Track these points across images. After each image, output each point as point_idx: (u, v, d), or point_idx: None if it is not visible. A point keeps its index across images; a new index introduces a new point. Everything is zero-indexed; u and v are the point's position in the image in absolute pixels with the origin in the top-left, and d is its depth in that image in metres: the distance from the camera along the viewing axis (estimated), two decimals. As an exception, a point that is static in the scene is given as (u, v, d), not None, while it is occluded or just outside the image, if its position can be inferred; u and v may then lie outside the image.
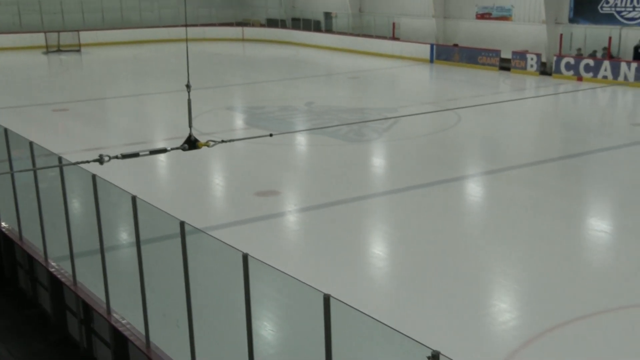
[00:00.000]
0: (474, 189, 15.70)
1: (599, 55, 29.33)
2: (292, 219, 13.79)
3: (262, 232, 12.82)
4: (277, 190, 15.18)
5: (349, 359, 6.19)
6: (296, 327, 7.41)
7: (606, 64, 28.15)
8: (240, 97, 28.58)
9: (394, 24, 40.08)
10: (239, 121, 23.42)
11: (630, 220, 13.18)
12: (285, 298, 7.42)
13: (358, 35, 41.95)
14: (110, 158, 6.42)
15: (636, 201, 14.25)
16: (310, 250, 12.15)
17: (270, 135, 8.49)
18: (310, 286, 6.03)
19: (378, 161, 18.41)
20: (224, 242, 7.13)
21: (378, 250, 12.28)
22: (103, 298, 9.54)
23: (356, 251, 11.92)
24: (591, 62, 28.72)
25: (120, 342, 9.33)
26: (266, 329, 7.61)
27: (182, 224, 7.57)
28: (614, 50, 29.06)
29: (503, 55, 32.32)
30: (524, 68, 31.14)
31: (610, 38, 28.98)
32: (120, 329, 9.12)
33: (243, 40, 47.78)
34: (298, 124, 22.47)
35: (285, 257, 11.40)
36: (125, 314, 9.31)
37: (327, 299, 5.73)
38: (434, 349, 4.82)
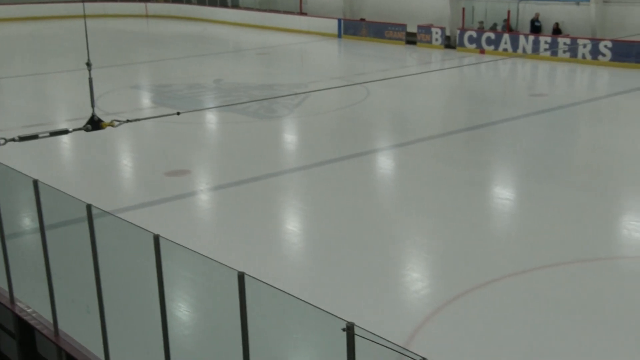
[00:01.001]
0: (385, 162, 15.94)
1: (499, 28, 30.23)
2: (204, 198, 13.63)
3: (174, 212, 12.62)
4: (188, 170, 14.95)
5: (265, 335, 6.19)
6: (211, 306, 7.34)
7: (506, 37, 29.03)
8: (146, 76, 27.90)
9: (300, -1, 39.99)
10: (145, 100, 22.88)
11: (532, 187, 13.70)
12: (199, 278, 7.33)
13: (265, 10, 41.58)
14: (6, 141, 6.15)
15: (537, 169, 14.81)
16: (224, 229, 12.06)
17: (178, 113, 8.33)
18: (224, 264, 5.98)
19: (289, 137, 18.40)
20: (133, 224, 6.97)
21: (291, 226, 12.31)
22: (6, 287, 9.18)
23: (270, 228, 11.91)
24: (492, 35, 29.55)
25: (25, 331, 9.02)
26: (181, 310, 7.51)
27: (88, 207, 7.34)
28: (512, 24, 29.99)
29: (409, 30, 32.78)
30: (430, 42, 31.71)
31: (509, 12, 29.90)
32: (25, 318, 8.80)
33: (147, 16, 46.54)
34: (207, 101, 22.16)
35: (199, 237, 11.27)
36: (32, 303, 8.99)
37: (241, 276, 5.70)
38: (349, 320, 4.87)
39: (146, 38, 39.48)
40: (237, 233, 11.66)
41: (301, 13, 39.66)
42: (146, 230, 6.70)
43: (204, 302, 7.53)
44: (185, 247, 6.44)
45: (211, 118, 19.88)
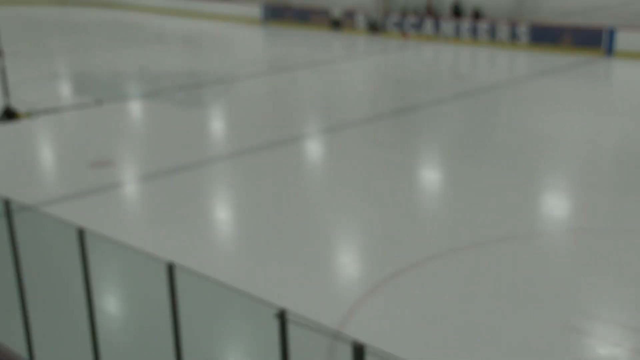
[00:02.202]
0: (314, 147, 15.96)
1: (422, 13, 30.63)
2: (131, 189, 13.36)
3: (100, 205, 12.31)
4: (113, 160, 14.61)
5: (197, 325, 6.12)
6: (141, 298, 7.22)
7: (428, 21, 29.46)
8: (64, 64, 27.07)
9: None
10: (64, 89, 22.20)
11: (457, 168, 13.98)
12: (128, 270, 7.20)
13: (188, -3, 40.99)
14: None
15: (461, 150, 15.12)
16: (152, 220, 11.85)
17: (99, 102, 8.10)
18: (153, 256, 5.88)
19: (217, 124, 18.20)
20: (56, 218, 6.76)
21: (222, 214, 12.21)
22: None
23: (199, 217, 11.76)
24: (415, 19, 29.92)
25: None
26: (110, 304, 7.36)
27: (7, 202, 7.08)
28: (435, 8, 30.42)
29: (334, 15, 32.83)
30: (354, 27, 31.86)
31: (432, -4, 30.37)
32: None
33: (62, 3, 45.10)
34: (130, 90, 21.68)
35: (126, 228, 11.04)
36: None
37: (170, 267, 5.61)
38: (281, 306, 4.86)
39: (63, 26, 38.28)
40: (166, 223, 11.47)
41: (225, -1, 39.28)
42: (69, 223, 6.52)
43: (133, 294, 7.40)
44: (111, 239, 6.29)
45: (135, 107, 19.47)
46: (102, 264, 6.94)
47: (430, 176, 13.98)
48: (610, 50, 24.54)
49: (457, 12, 29.49)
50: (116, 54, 28.36)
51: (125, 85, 22.43)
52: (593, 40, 24.96)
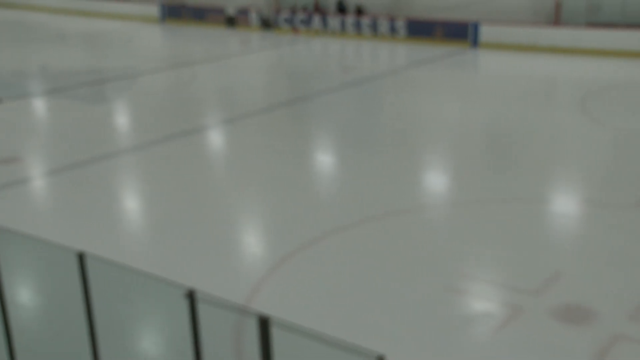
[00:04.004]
0: (216, 137, 15.75)
1: (310, 10, 30.72)
2: (39, 183, 12.74)
3: (8, 201, 11.68)
4: (19, 157, 13.88)
5: (110, 311, 5.93)
6: (54, 290, 6.92)
7: (316, 17, 29.59)
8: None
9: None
10: (-33, 90, 20.87)
11: (348, 153, 14.17)
12: (39, 262, 6.88)
13: (87, -3, 39.30)
14: None
15: (351, 136, 15.31)
16: (62, 213, 11.35)
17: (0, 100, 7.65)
18: (63, 246, 5.63)
19: (122, 119, 17.62)
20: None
21: (130, 203, 11.86)
22: None
23: (109, 208, 11.38)
24: (304, 16, 29.98)
25: None
26: (22, 296, 7.02)
27: None
28: (322, 5, 30.59)
29: (228, 13, 32.38)
30: (248, 24, 31.58)
31: (318, -6, 30.50)
32: None
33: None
34: (32, 88, 20.62)
35: (37, 223, 10.54)
36: None
37: (81, 256, 5.40)
38: (190, 286, 4.78)
39: (-37, 27, 35.95)
40: (77, 216, 11.03)
41: (123, -1, 37.96)
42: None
43: (46, 286, 7.08)
44: (21, 233, 5.99)
45: (39, 104, 18.56)
46: (11, 258, 6.60)
47: (324, 160, 14.10)
48: (475, 42, 25.48)
49: (341, 8, 29.78)
50: (17, 52, 26.88)
51: (27, 83, 21.31)
52: (461, 33, 25.84)
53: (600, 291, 8.10)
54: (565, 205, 11.25)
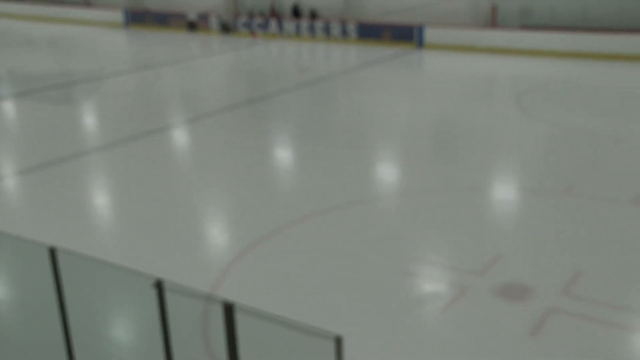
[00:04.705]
0: (181, 136, 15.55)
1: (267, 14, 30.53)
2: (10, 183, 12.38)
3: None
4: (-11, 158, 13.47)
5: (81, 302, 5.82)
6: (27, 284, 6.75)
7: (273, 21, 29.43)
8: None
9: (86, -8, 37.28)
10: (-64, 94, 20.13)
11: (305, 148, 14.16)
12: (11, 258, 6.69)
13: (52, 3, 38.22)
14: None
15: (307, 132, 15.30)
16: (34, 210, 11.07)
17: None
18: (34, 241, 5.49)
19: (91, 120, 17.24)
20: None
21: (99, 200, 11.63)
22: None
23: (79, 204, 11.14)
24: (262, 20, 29.79)
25: None
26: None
27: None
28: (278, 10, 30.43)
29: (190, 18, 31.97)
30: (208, 28, 31.22)
31: (274, 1, 30.27)
32: None
33: None
34: (2, 91, 20.02)
35: (9, 219, 10.26)
36: None
37: (52, 250, 5.28)
38: (158, 276, 4.72)
39: None
40: (47, 213, 10.76)
41: (87, 5, 37.06)
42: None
43: (19, 280, 6.90)
44: (-7, 231, 5.82)
45: (7, 106, 18.03)
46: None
47: (283, 155, 14.06)
48: (420, 43, 25.72)
49: (296, 13, 29.68)
50: (-14, 58, 26.05)
51: (-3, 87, 20.68)
52: (407, 35, 26.04)
53: (536, 270, 8.31)
54: (504, 192, 11.48)
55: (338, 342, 3.69)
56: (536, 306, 7.48)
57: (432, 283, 8.21)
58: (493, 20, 25.03)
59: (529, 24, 24.40)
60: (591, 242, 9.06)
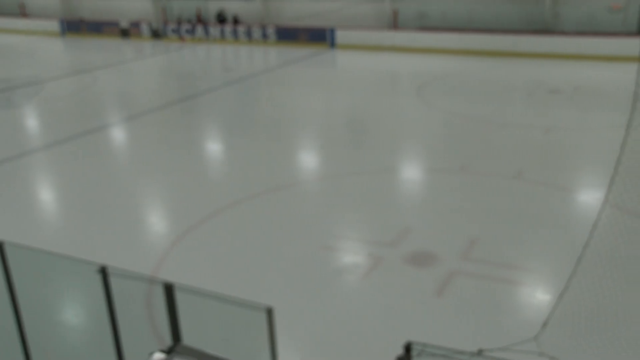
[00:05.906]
0: (120, 133, 14.96)
1: (193, 21, 29.77)
2: (-48, 185, 11.55)
3: None
4: None
5: (30, 294, 5.51)
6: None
7: (199, 27, 28.75)
8: None
9: (22, 2, 35.01)
10: None
11: (233, 140, 13.97)
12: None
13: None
14: None
15: (235, 126, 15.09)
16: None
17: None
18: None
19: (32, 122, 16.29)
20: None
21: (45, 196, 11.04)
22: None
23: (24, 200, 10.53)
24: (189, 26, 29.03)
25: None
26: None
27: None
28: (204, 17, 29.74)
29: (122, 25, 30.73)
30: (140, 34, 30.13)
31: (200, 8, 29.54)
32: None
33: None
34: (-59, 98, 18.58)
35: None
36: None
37: (0, 244, 4.96)
38: (102, 263, 4.53)
39: None
40: (-9, 210, 10.13)
41: (23, 15, 34.87)
42: None
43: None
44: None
45: (-52, 112, 16.75)
46: None
47: (213, 147, 13.81)
48: (332, 44, 25.84)
49: (221, 19, 29.09)
50: None
51: (-64, 93, 19.16)
52: (320, 37, 26.08)
53: (440, 239, 8.57)
54: (409, 172, 11.75)
55: (269, 312, 3.67)
56: (441, 270, 7.73)
57: (351, 255, 8.32)
58: (395, 23, 25.48)
59: (424, 26, 25.01)
60: (484, 213, 9.43)
